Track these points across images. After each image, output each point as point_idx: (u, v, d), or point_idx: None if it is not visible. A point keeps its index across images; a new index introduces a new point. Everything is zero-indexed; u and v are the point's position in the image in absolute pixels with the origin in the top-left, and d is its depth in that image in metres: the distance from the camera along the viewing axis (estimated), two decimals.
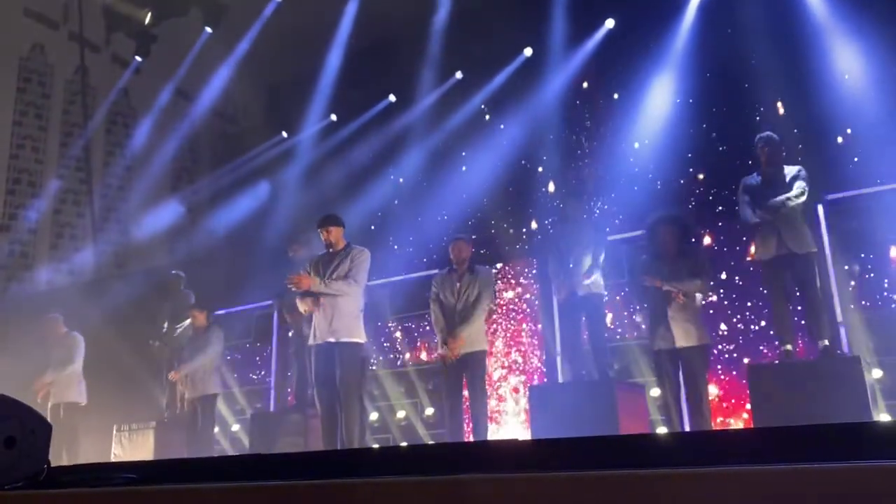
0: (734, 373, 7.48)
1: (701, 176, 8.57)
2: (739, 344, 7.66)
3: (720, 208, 8.23)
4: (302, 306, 5.88)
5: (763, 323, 7.49)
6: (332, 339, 5.68)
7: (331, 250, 5.92)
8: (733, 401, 7.49)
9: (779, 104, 7.99)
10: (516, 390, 8.70)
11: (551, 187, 9.39)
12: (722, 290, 7.81)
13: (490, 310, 6.63)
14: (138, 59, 10.97)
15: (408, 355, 9.47)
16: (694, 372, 5.65)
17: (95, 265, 10.57)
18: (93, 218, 11.07)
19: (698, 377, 5.65)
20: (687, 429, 5.62)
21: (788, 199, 5.72)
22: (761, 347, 7.52)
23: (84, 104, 11.28)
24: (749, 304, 7.68)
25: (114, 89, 11.28)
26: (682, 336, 5.66)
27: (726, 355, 7.67)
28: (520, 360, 8.91)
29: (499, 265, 9.26)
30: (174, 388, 8.03)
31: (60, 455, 6.98)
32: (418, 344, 9.48)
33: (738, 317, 7.71)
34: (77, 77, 11.29)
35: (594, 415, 5.63)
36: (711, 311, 7.65)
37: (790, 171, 5.85)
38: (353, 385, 5.73)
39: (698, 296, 5.87)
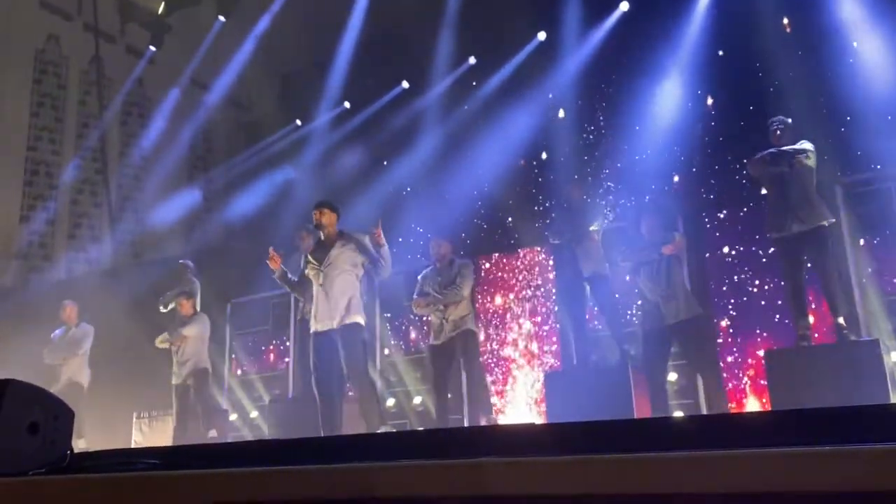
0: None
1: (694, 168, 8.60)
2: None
3: (713, 196, 8.23)
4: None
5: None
6: (333, 325, 5.67)
7: (322, 237, 5.91)
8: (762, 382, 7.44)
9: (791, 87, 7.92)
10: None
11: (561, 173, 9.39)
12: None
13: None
14: (152, 49, 10.99)
15: (422, 343, 9.49)
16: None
17: (113, 254, 10.61)
18: (109, 208, 11.11)
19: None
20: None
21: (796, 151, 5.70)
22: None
23: (100, 95, 11.31)
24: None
25: (129, 79, 11.30)
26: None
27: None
28: (535, 347, 8.92)
29: (520, 251, 9.29)
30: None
31: None
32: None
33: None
34: (92, 68, 11.30)
35: (609, 399, 5.63)
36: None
37: (800, 145, 5.82)
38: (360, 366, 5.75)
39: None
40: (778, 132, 5.88)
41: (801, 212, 5.59)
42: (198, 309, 8.05)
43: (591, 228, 6.74)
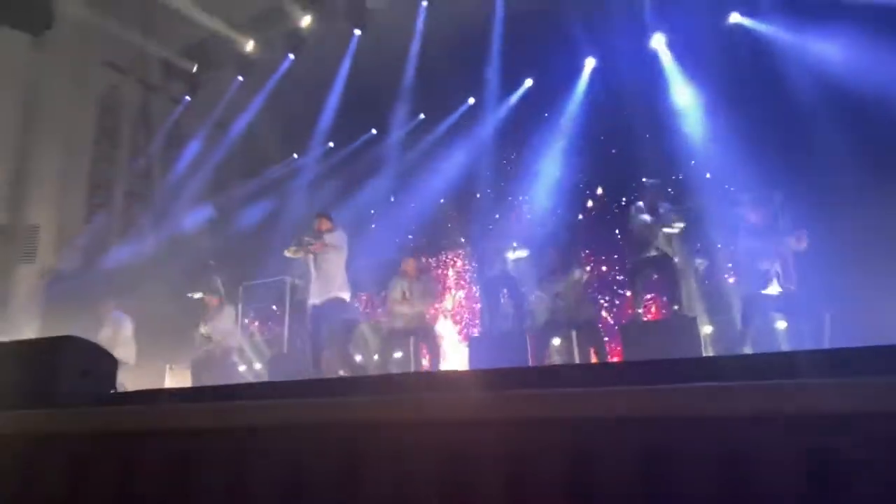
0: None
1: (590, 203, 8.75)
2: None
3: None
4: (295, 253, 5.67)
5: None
6: (319, 300, 5.57)
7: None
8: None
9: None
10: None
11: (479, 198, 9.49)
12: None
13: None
14: (187, 98, 10.71)
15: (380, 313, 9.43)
16: None
17: (155, 249, 10.28)
18: (153, 215, 10.79)
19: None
20: None
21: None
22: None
23: (147, 131, 10.97)
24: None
25: (168, 120, 11.01)
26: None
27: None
28: (464, 318, 8.97)
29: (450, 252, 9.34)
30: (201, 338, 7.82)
31: None
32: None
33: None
34: (141, 111, 10.97)
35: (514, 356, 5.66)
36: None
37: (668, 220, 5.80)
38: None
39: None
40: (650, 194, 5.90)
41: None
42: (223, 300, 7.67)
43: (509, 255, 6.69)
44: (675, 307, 5.62)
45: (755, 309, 5.02)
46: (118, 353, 7.52)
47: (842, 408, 1.29)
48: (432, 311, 7.66)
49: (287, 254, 5.78)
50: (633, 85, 8.05)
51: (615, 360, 7.43)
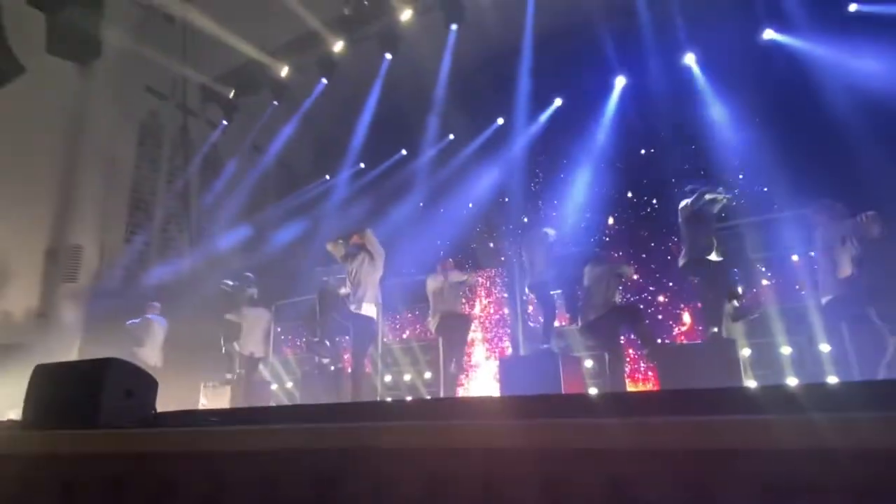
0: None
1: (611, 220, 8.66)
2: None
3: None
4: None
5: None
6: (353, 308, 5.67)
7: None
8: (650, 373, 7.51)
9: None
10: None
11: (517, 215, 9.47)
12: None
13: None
14: (224, 122, 11.00)
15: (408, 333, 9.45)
16: None
17: (192, 268, 10.50)
18: (190, 235, 11.03)
19: None
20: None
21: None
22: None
23: (185, 154, 11.27)
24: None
25: (206, 143, 11.29)
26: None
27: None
28: (496, 341, 8.92)
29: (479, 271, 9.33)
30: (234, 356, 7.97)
31: None
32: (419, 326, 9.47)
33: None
34: (180, 134, 11.29)
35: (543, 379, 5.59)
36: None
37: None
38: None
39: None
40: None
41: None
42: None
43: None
44: (714, 329, 5.44)
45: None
46: (144, 353, 7.76)
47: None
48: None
49: (329, 247, 5.96)
50: (664, 102, 8.01)
51: (649, 385, 7.28)
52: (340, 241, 5.84)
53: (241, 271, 8.58)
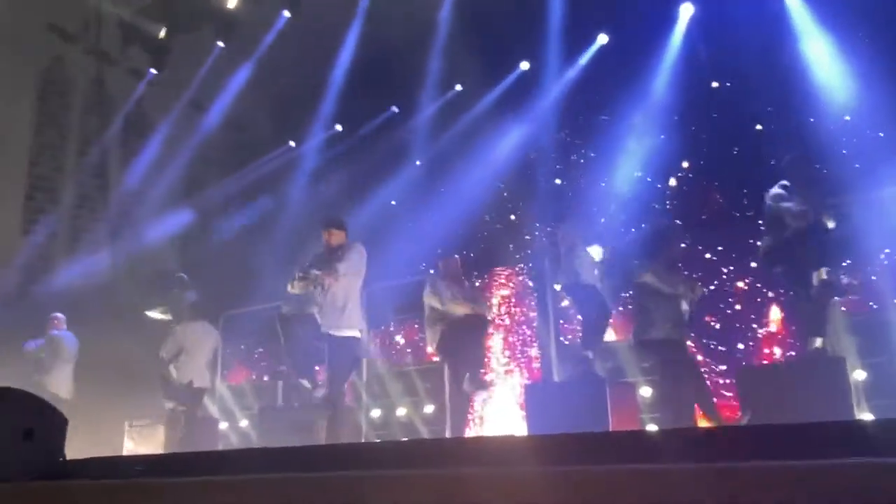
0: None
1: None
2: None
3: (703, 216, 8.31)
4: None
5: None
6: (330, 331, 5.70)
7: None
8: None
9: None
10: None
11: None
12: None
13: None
14: (153, 71, 10.99)
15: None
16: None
17: (110, 268, 10.54)
18: (109, 222, 11.06)
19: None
20: None
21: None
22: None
23: (101, 115, 11.28)
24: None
25: (129, 100, 11.30)
26: None
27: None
28: (518, 354, 8.96)
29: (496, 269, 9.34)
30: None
31: None
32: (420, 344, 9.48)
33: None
34: (94, 89, 11.28)
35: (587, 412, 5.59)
36: None
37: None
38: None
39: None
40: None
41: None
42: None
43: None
44: (817, 343, 5.41)
45: None
46: (49, 382, 7.81)
47: None
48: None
49: (291, 290, 5.97)
50: (748, 38, 7.96)
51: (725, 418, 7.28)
52: (303, 279, 5.85)
53: (175, 272, 8.60)
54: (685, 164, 8.79)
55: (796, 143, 7.40)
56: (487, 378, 7.70)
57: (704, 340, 7.81)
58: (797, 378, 5.19)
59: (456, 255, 6.91)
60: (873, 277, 6.96)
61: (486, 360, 7.49)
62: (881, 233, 6.47)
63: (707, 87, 8.59)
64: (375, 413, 8.67)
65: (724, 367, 7.54)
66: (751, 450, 1.74)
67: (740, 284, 7.97)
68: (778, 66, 8.01)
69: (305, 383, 6.76)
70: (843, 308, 6.17)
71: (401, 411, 8.80)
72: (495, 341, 9.09)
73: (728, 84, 8.45)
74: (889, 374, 6.12)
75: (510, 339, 9.19)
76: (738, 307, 7.91)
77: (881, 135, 7.28)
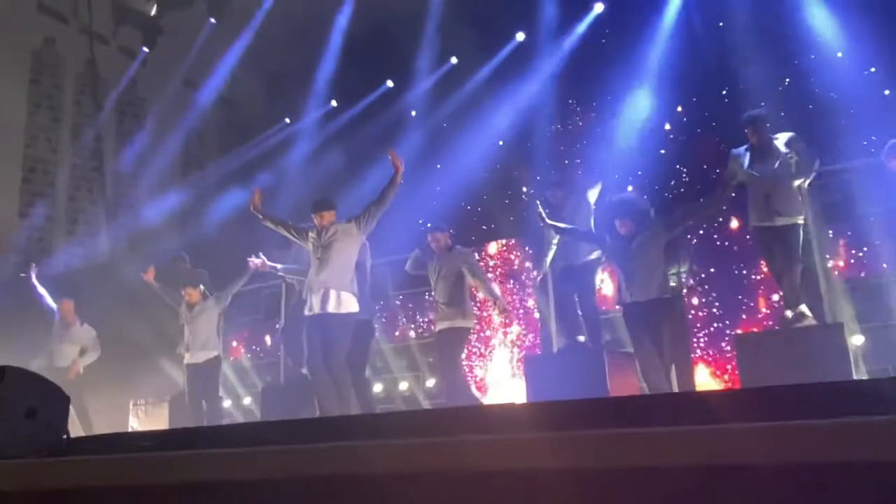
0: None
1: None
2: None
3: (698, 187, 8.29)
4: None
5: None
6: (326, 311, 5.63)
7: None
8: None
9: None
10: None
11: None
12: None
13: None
14: (145, 50, 10.92)
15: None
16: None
17: (109, 249, 10.54)
18: (106, 204, 11.05)
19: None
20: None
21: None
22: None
23: (94, 95, 11.22)
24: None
25: (123, 80, 11.23)
26: None
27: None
28: (517, 328, 8.97)
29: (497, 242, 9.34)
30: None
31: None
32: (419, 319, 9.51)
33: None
34: (87, 69, 11.21)
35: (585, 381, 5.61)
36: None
37: (783, 136, 5.52)
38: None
39: None
40: (750, 129, 5.55)
41: (780, 207, 5.42)
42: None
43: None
44: (802, 308, 5.40)
45: None
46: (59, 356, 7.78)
47: None
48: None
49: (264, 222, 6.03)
50: (748, 7, 7.93)
51: (725, 382, 7.34)
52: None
53: (174, 251, 8.60)
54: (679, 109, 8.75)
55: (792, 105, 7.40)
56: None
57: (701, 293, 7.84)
58: (796, 344, 5.20)
59: (447, 230, 6.73)
60: (877, 242, 6.95)
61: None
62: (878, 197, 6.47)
63: (705, 58, 8.49)
64: (378, 388, 8.72)
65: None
66: (749, 411, 1.75)
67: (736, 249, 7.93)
68: (780, 37, 7.96)
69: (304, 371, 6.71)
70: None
71: (403, 385, 8.85)
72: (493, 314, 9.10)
73: (726, 66, 8.33)
74: (888, 340, 6.16)
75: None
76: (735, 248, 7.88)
77: (886, 92, 7.20)
